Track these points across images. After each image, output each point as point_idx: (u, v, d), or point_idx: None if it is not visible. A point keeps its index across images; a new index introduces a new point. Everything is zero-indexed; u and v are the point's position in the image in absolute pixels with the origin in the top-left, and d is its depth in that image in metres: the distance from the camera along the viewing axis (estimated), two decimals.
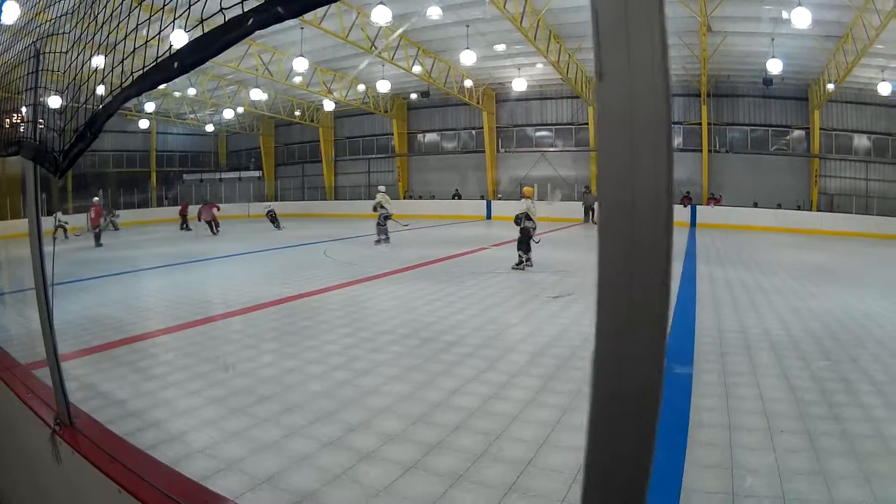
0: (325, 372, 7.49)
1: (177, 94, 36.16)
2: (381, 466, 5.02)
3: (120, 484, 2.24)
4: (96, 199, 27.51)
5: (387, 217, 23.20)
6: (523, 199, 17.32)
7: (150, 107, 37.75)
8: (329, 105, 38.35)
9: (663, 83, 1.18)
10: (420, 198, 42.54)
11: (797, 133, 37.75)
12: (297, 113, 43.14)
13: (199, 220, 29.58)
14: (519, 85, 34.14)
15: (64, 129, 2.72)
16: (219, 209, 30.60)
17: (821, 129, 36.56)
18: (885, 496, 5.00)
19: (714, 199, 36.59)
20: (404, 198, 42.96)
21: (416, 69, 31.76)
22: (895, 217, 34.39)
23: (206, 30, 1.76)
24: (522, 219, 16.75)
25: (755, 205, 34.21)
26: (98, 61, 2.60)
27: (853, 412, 6.89)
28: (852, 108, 36.35)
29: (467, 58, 27.90)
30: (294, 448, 5.30)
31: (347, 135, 46.23)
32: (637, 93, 1.19)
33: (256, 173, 49.10)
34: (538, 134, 42.33)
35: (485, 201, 40.72)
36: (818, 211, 36.07)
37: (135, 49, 2.20)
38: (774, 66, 29.17)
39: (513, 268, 16.70)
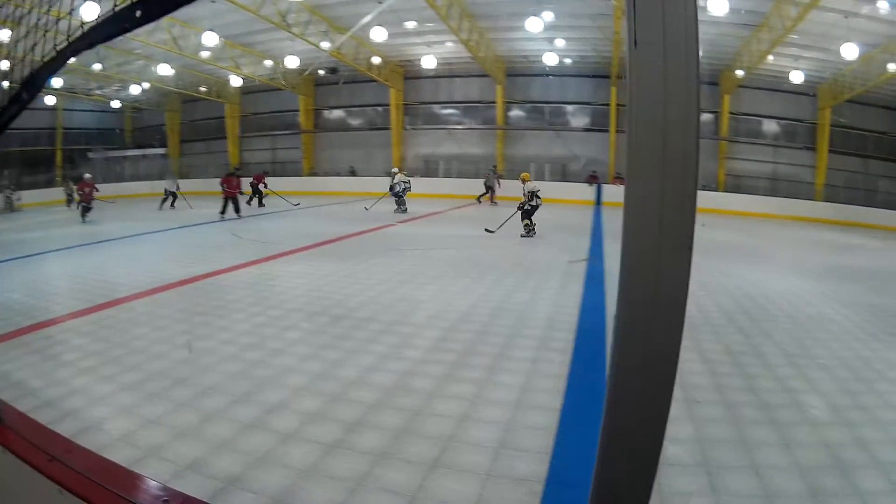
0: (239, 352, 7.38)
1: (89, 68, 34.51)
2: (303, 446, 5.00)
3: (61, 484, 2.08)
4: (87, 175, 26.97)
5: (404, 191, 27.78)
6: (526, 183, 19.94)
7: (56, 82, 35.85)
8: (237, 81, 37.56)
9: (694, 53, 1.28)
10: (325, 175, 42.19)
11: (707, 116, 38.98)
12: (204, 89, 42.17)
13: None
14: (428, 62, 34.09)
15: None
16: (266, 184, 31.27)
17: (731, 113, 38.08)
18: (806, 462, 5.20)
19: (620, 179, 37.14)
20: (309, 175, 42.66)
21: (326, 45, 31.38)
22: (802, 199, 35.82)
23: None
24: (533, 196, 19.51)
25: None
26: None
27: (769, 383, 7.16)
28: (764, 94, 37.80)
29: (378, 34, 27.74)
30: (214, 432, 5.21)
31: (254, 111, 45.39)
32: (669, 61, 1.27)
33: (162, 150, 47.68)
34: (445, 112, 42.41)
35: (389, 178, 40.28)
36: (725, 192, 37.39)
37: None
38: None
39: (521, 236, 19.36)
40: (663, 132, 1.28)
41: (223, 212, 24.04)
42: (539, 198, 19.56)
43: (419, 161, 41.89)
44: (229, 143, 45.79)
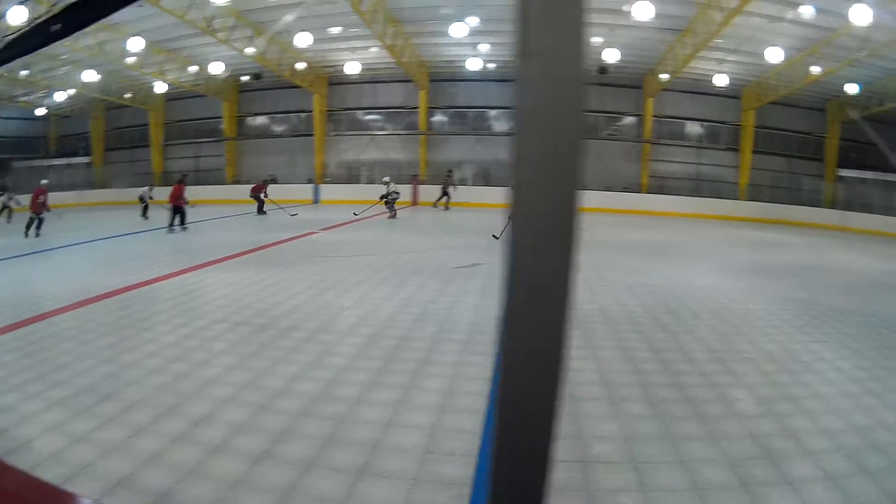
0: (164, 365, 7.34)
1: (14, 73, 33.60)
2: (231, 458, 5.01)
3: None
4: (44, 181, 24.84)
5: (394, 199, 29.21)
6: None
7: None
8: (161, 87, 36.94)
9: (581, 62, 1.30)
10: (248, 182, 41.51)
11: (630, 119, 39.97)
12: (129, 95, 41.20)
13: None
14: (352, 68, 34.36)
15: None
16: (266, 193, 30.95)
17: (654, 116, 39.00)
18: (735, 454, 5.36)
19: None
20: (233, 183, 42.18)
21: (250, 50, 31.21)
22: (726, 199, 37.22)
23: None
24: None
25: (584, 188, 35.53)
26: None
27: (694, 379, 7.38)
28: (687, 97, 38.95)
29: (302, 40, 27.93)
30: (142, 447, 5.19)
31: (178, 118, 44.55)
32: (556, 70, 1.30)
33: (86, 159, 46.48)
34: (369, 117, 42.53)
35: (312, 185, 40.71)
36: (649, 193, 38.28)
37: None
38: (611, 56, 30.50)
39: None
40: (548, 138, 1.33)
41: (171, 224, 22.95)
42: None
43: (342, 167, 41.95)
44: (153, 151, 44.86)
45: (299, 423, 5.73)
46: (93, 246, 19.11)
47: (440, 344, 8.44)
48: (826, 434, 5.86)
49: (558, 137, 1.33)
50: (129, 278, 12.81)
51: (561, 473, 4.84)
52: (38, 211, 22.48)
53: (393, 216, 28.71)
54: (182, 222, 22.98)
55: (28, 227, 22.03)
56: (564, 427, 5.57)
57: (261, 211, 30.75)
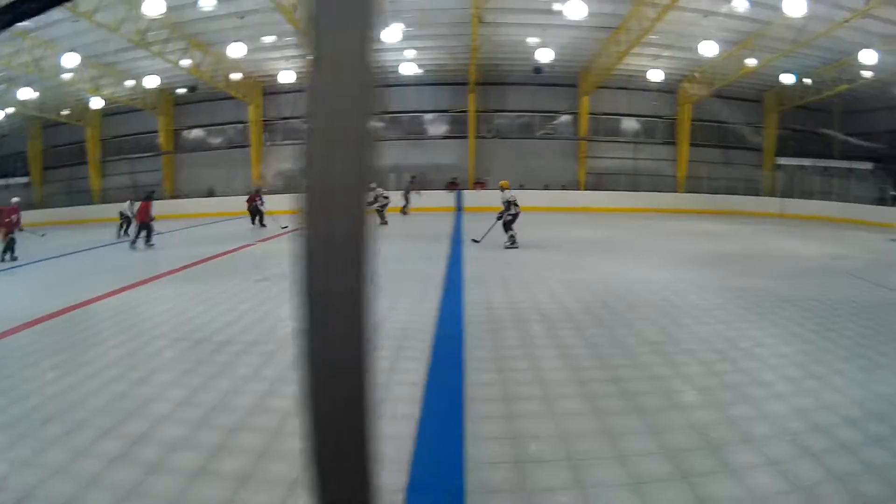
0: (103, 385, 7.34)
1: None
2: (169, 476, 5.08)
3: None
4: (15, 199, 23.03)
5: (384, 205, 28.40)
6: (505, 192, 19.86)
7: None
8: (98, 103, 36.25)
9: (370, 68, 1.38)
10: (186, 196, 41.30)
11: (566, 118, 40.40)
12: (66, 112, 40.38)
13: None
14: (287, 77, 34.09)
15: None
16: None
17: (590, 113, 39.38)
18: (674, 445, 5.50)
19: (479, 184, 38.34)
20: (172, 197, 41.40)
21: (185, 63, 31.07)
22: (665, 192, 38.35)
23: None
24: (511, 205, 19.52)
25: (521, 187, 35.88)
26: None
27: (632, 373, 7.51)
28: (623, 94, 39.49)
29: (237, 50, 27.93)
30: (83, 469, 5.22)
31: (114, 134, 43.75)
32: (345, 75, 1.37)
33: (24, 179, 45.51)
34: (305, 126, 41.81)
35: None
36: (586, 190, 38.64)
37: None
38: (545, 55, 31.04)
39: (506, 247, 19.43)
40: (338, 144, 1.39)
41: (135, 240, 22.52)
42: (517, 206, 19.63)
43: (280, 178, 41.62)
44: (90, 168, 43.99)
45: (235, 437, 5.82)
46: (30, 268, 18.86)
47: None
48: (768, 420, 6.04)
49: (348, 143, 1.39)
50: (67, 299, 12.63)
51: (497, 474, 5.01)
52: (11, 231, 20.90)
53: (384, 224, 27.72)
54: (148, 238, 22.53)
55: (5, 251, 20.58)
56: (498, 427, 5.86)
57: (261, 223, 29.03)
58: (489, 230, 20.25)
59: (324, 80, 1.38)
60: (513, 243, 19.50)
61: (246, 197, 30.73)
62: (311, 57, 1.38)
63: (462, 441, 5.58)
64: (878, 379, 7.30)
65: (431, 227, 26.87)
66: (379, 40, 1.44)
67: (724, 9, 26.42)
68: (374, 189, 27.37)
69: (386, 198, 28.89)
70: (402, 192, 35.27)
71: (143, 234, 22.46)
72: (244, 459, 5.35)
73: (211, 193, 40.26)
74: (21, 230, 21.89)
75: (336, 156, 1.39)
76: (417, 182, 37.03)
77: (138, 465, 5.29)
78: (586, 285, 13.06)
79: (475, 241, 20.38)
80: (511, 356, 8.16)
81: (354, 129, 1.40)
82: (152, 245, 22.48)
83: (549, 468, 5.10)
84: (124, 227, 27.59)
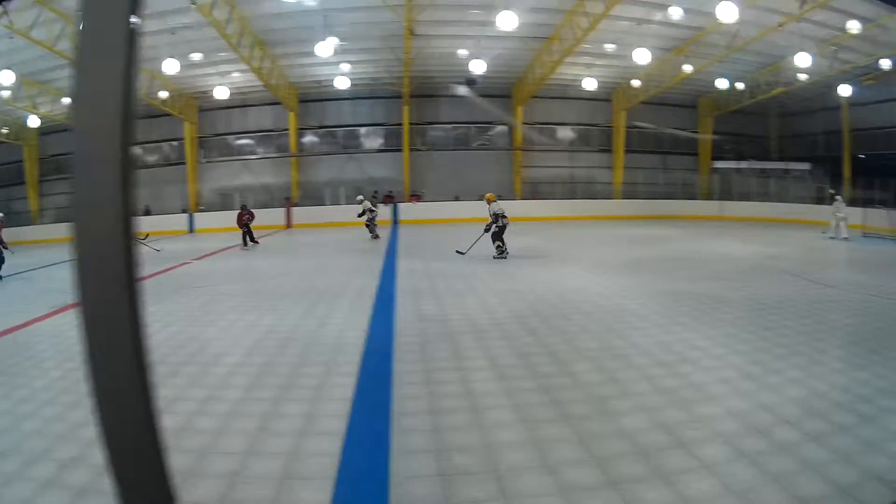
0: (36, 409, 7.27)
1: None
2: (99, 499, 4.95)
3: None
4: None
5: (372, 219, 28.71)
6: (491, 204, 19.89)
7: None
8: (35, 121, 35.78)
9: (129, 107, 1.54)
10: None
11: (501, 128, 40.93)
12: (5, 131, 39.89)
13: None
14: (221, 93, 34.05)
15: None
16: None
17: (525, 123, 39.83)
18: (604, 453, 5.51)
19: (415, 196, 38.86)
20: None
21: None
22: (601, 199, 38.60)
23: None
24: (499, 217, 19.55)
25: (456, 198, 36.02)
26: None
27: (562, 381, 7.57)
28: (558, 103, 40.12)
29: (170, 66, 27.61)
30: (12, 495, 5.19)
31: (52, 153, 42.68)
32: (107, 86, 1.49)
33: None
34: (240, 142, 42.61)
35: (187, 215, 39.68)
36: (522, 199, 38.91)
37: None
38: (479, 67, 31.10)
39: (494, 257, 19.60)
40: (102, 175, 1.51)
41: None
42: (506, 217, 19.66)
43: (215, 194, 41.53)
44: (28, 188, 43.26)
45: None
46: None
47: (303, 367, 8.58)
48: (701, 423, 6.14)
49: (108, 174, 1.52)
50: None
51: (420, 488, 5.03)
52: None
53: (375, 237, 28.22)
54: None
55: None
56: (423, 441, 5.89)
57: (252, 240, 28.01)
58: (475, 242, 20.34)
59: (85, 113, 1.51)
60: (500, 254, 19.68)
61: (238, 213, 29.08)
62: (74, 92, 1.49)
63: (388, 455, 5.61)
64: (815, 375, 7.50)
65: (370, 242, 27.14)
66: (138, 76, 1.57)
67: (658, 17, 26.99)
68: (361, 203, 28.97)
69: (373, 211, 29.00)
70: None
71: None
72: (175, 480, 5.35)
73: (147, 212, 39.74)
74: (6, 248, 20.35)
75: (102, 183, 1.53)
76: (381, 196, 37.50)
77: (67, 489, 5.26)
78: (520, 295, 13.11)
79: (459, 252, 20.46)
80: (438, 368, 8.20)
81: (118, 157, 1.55)
82: None
83: (472, 481, 5.10)
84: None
